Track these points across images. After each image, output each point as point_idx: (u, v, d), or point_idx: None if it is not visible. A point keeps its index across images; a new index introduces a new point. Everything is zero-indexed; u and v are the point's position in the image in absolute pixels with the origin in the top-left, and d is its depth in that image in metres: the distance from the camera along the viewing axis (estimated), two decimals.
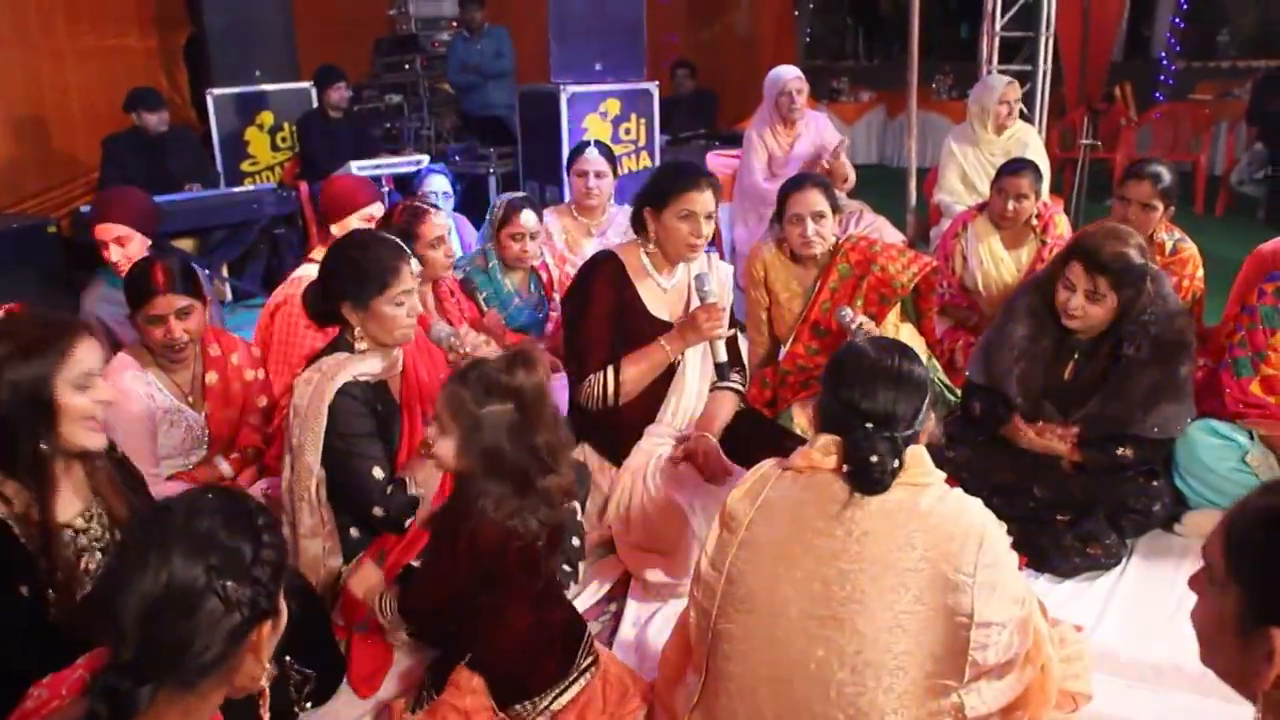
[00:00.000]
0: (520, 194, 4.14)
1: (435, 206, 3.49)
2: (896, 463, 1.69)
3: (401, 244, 2.49)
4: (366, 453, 2.37)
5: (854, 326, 3.09)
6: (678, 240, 2.93)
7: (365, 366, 2.44)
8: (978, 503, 1.77)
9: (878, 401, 1.73)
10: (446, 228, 3.52)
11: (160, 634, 1.20)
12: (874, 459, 1.67)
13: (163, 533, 1.25)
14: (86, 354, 1.85)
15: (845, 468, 1.70)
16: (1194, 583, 1.29)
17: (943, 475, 1.77)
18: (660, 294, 3.05)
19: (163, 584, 1.20)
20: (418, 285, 2.48)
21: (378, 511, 2.38)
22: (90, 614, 1.26)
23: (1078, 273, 2.77)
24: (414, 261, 2.46)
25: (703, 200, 2.89)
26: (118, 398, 1.93)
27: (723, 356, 2.96)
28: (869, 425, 1.71)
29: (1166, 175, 3.44)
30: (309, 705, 2.21)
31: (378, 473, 2.37)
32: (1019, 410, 2.93)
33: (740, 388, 3.16)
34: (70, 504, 1.92)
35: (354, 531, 2.51)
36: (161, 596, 1.20)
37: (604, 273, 3.01)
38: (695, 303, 2.98)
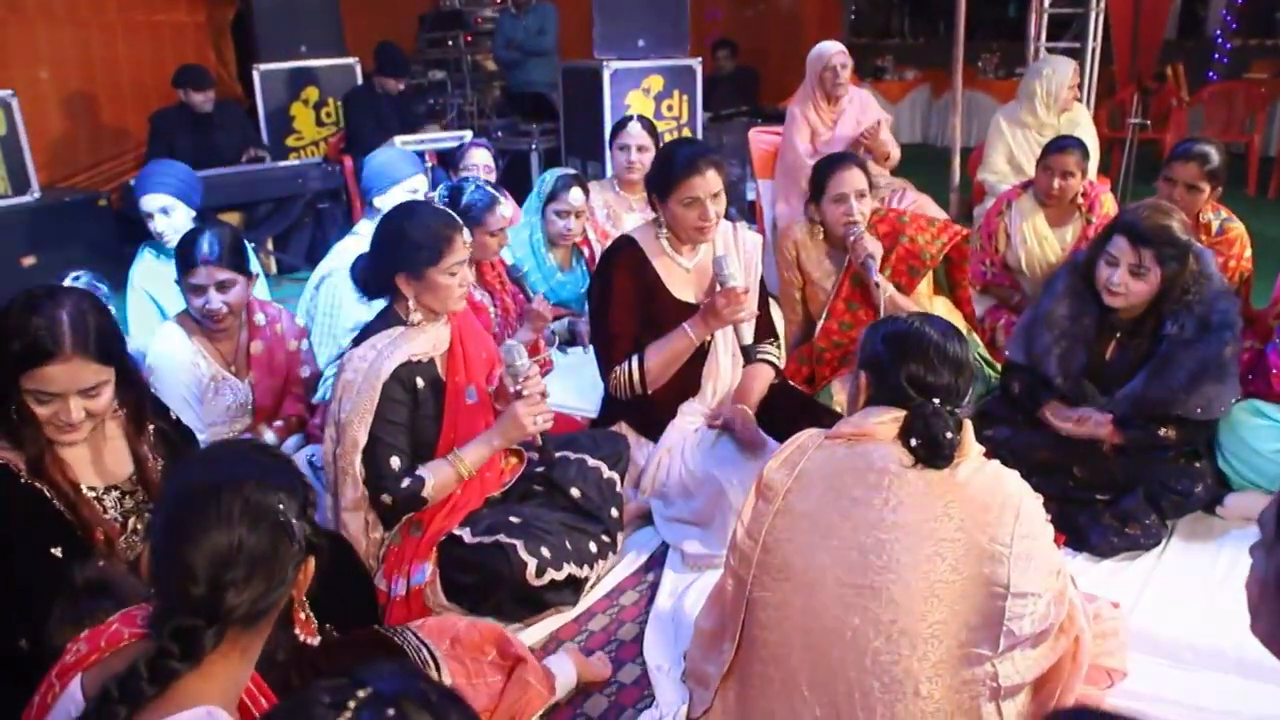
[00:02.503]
0: (570, 171, 4.17)
1: (500, 193, 3.52)
2: (957, 437, 1.73)
3: (454, 217, 2.50)
4: (391, 441, 2.40)
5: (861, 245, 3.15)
6: (686, 225, 2.93)
7: (418, 345, 2.46)
8: (1014, 474, 1.78)
9: (943, 378, 1.78)
10: (509, 220, 3.57)
11: (240, 575, 1.25)
12: (949, 434, 1.71)
13: (227, 477, 1.30)
14: (52, 377, 1.80)
15: (913, 441, 1.73)
16: (1253, 550, 1.30)
17: (981, 449, 1.78)
18: (683, 274, 3.04)
19: (243, 525, 1.26)
20: (469, 254, 2.51)
21: (385, 499, 2.41)
22: (154, 562, 1.30)
23: (1121, 247, 2.74)
24: (465, 231, 2.49)
25: (704, 183, 2.87)
26: (81, 424, 1.86)
27: (748, 339, 2.94)
28: (935, 400, 1.75)
29: (1214, 156, 3.39)
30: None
31: (395, 462, 2.40)
32: (1059, 390, 2.90)
33: (775, 360, 3.14)
34: (116, 467, 1.98)
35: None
36: (243, 538, 1.26)
37: (623, 260, 3.01)
38: (718, 285, 2.96)
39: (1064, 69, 4.97)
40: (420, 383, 2.46)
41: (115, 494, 1.96)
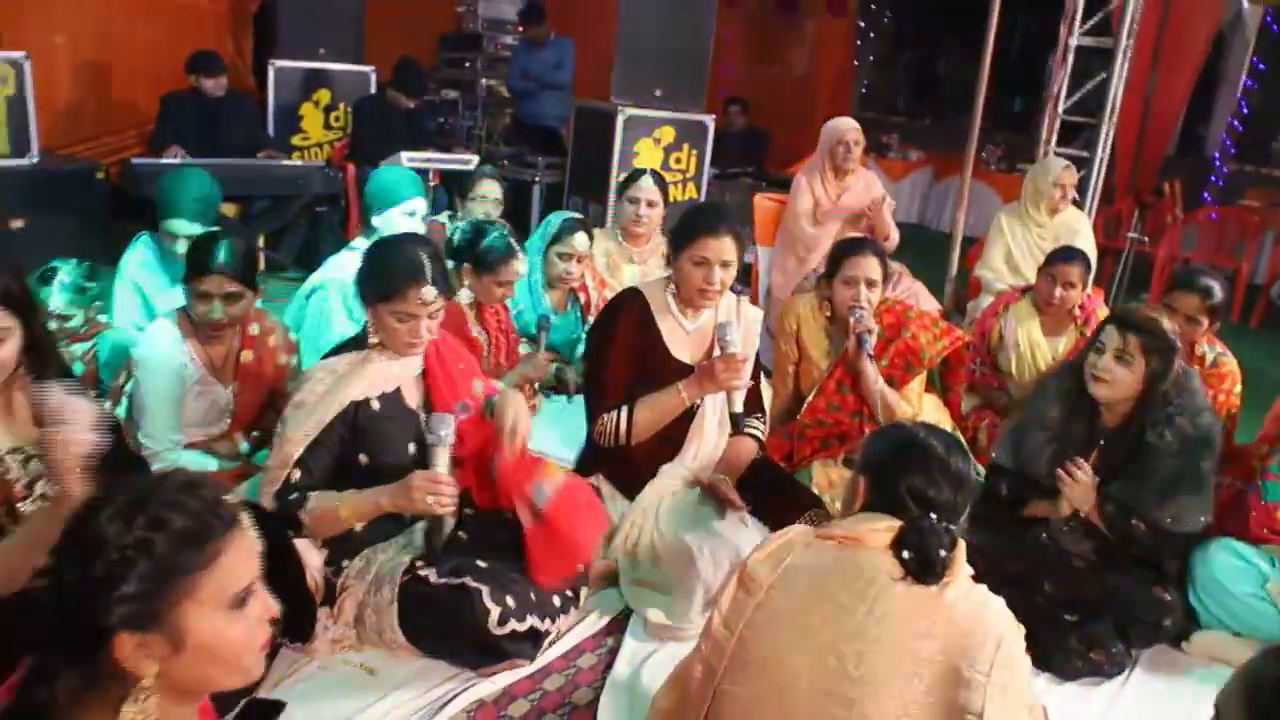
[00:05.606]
0: (577, 215, 4.16)
1: (517, 248, 3.52)
2: (950, 556, 1.71)
3: (424, 269, 2.41)
4: (307, 457, 2.39)
5: (860, 321, 3.20)
6: (690, 285, 2.93)
7: (378, 372, 2.47)
8: (1000, 602, 1.76)
9: (944, 493, 1.76)
10: (522, 275, 3.58)
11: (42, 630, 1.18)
12: (941, 552, 1.69)
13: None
14: None
15: (905, 553, 1.71)
16: None
17: (970, 571, 1.76)
18: (683, 335, 3.04)
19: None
20: (431, 312, 2.45)
21: (267, 503, 2.38)
22: None
23: (1110, 333, 2.79)
24: (428, 290, 2.40)
25: (718, 247, 2.87)
26: None
27: (738, 408, 2.92)
28: (933, 516, 1.72)
29: (1217, 291, 3.38)
30: (286, 639, 2.33)
31: (296, 475, 2.39)
32: (1048, 492, 2.90)
33: (760, 435, 3.14)
34: (25, 428, 2.00)
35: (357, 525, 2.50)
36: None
37: (629, 311, 3.02)
38: (717, 349, 2.96)
39: (1053, 166, 5.05)
40: (377, 406, 2.46)
41: (20, 456, 1.97)
